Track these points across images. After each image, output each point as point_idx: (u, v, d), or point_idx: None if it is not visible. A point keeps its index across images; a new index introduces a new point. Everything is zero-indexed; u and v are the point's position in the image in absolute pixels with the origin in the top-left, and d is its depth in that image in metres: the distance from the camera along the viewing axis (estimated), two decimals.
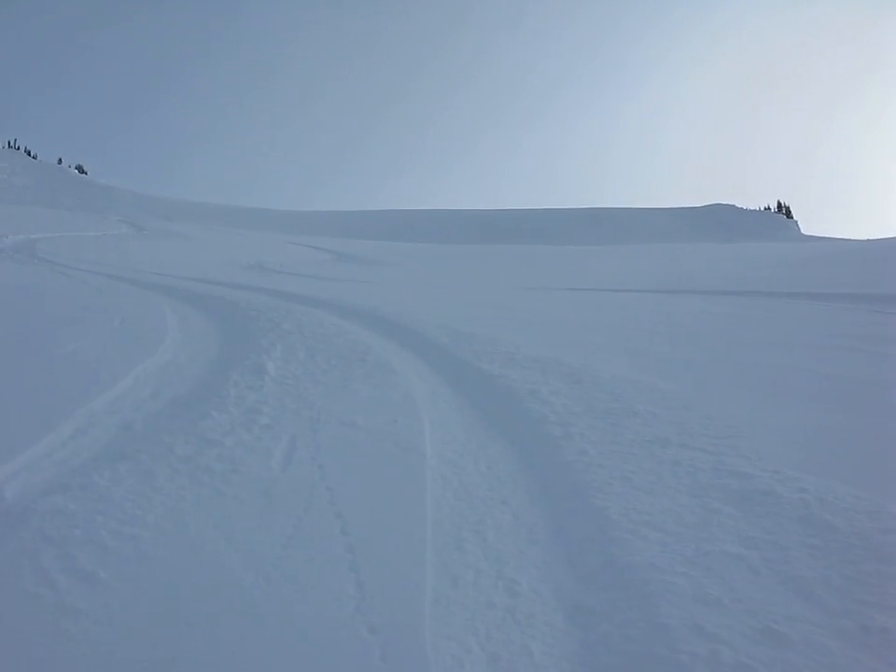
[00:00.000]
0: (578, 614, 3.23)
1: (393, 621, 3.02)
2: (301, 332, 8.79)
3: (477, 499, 4.36)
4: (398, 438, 5.16)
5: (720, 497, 4.18)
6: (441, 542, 3.77)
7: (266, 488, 4.25)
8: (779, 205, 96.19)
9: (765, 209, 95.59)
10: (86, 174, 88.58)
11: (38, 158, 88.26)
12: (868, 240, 40.17)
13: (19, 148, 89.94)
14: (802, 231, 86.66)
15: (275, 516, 3.90)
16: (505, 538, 3.90)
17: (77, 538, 3.56)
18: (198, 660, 2.73)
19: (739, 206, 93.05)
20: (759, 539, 3.70)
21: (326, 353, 7.71)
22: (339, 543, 3.63)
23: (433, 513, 4.07)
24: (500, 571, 3.55)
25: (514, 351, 7.99)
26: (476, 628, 3.08)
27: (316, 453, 4.81)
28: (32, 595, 3.09)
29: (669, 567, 3.45)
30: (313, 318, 9.97)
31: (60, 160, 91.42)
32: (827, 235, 75.86)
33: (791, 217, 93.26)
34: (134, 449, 4.72)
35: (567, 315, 11.97)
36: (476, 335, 8.95)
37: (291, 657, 2.78)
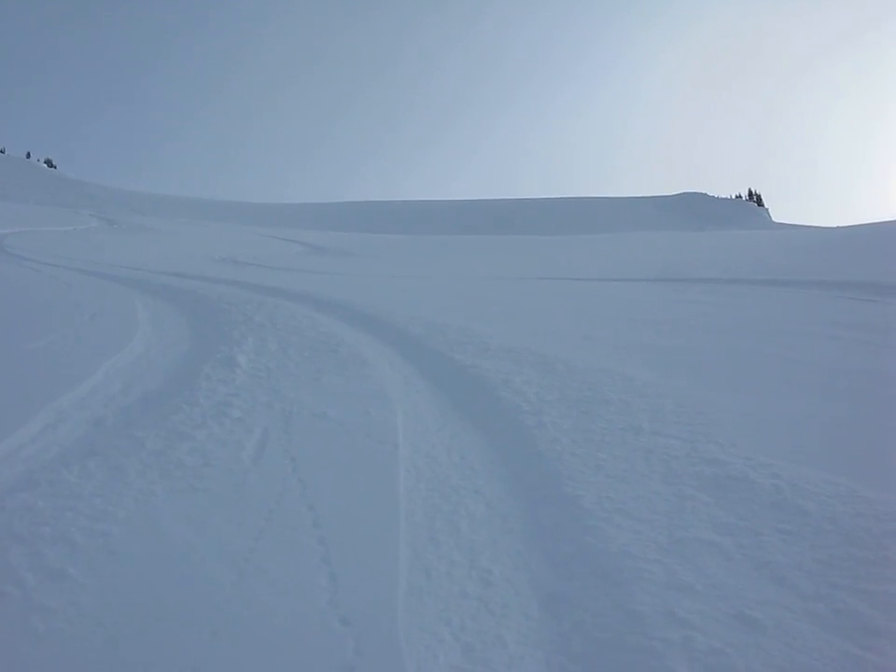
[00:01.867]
0: (552, 603, 3.23)
1: (366, 613, 3.00)
2: (273, 325, 8.75)
3: (450, 490, 4.34)
4: (370, 429, 5.14)
5: (693, 484, 4.19)
6: (414, 533, 3.76)
7: (238, 481, 4.22)
8: (750, 193, 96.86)
9: (737, 197, 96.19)
10: (55, 168, 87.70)
11: (6, 152, 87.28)
12: (836, 227, 40.50)
13: None
14: (772, 218, 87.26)
15: (247, 509, 3.88)
16: (478, 528, 3.89)
17: (47, 535, 3.52)
18: (170, 656, 2.70)
19: (710, 194, 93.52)
20: (732, 525, 3.72)
21: (298, 345, 7.67)
22: (311, 535, 3.61)
23: (406, 504, 4.06)
24: (474, 561, 3.54)
25: (488, 341, 7.98)
26: (450, 619, 3.07)
27: (288, 445, 4.78)
28: (0, 594, 3.05)
29: (642, 554, 3.46)
30: (285, 311, 9.92)
31: (28, 154, 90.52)
32: (797, 223, 76.39)
33: (762, 205, 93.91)
34: (105, 444, 4.68)
35: (541, 304, 11.97)
36: (449, 326, 8.93)
37: (264, 651, 2.76)
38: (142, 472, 4.27)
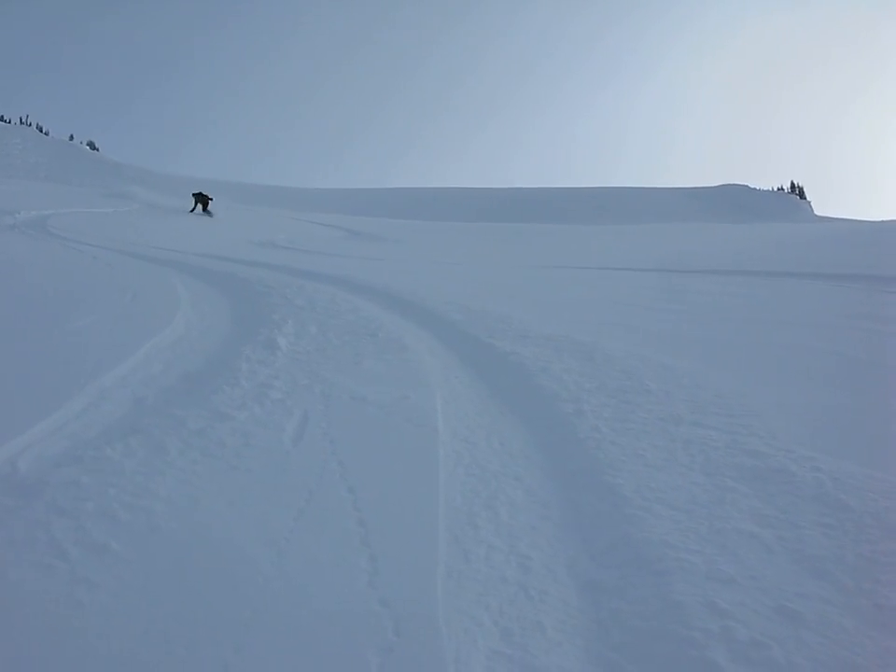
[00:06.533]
0: (590, 590, 3.23)
1: (405, 595, 3.01)
2: (312, 308, 8.78)
3: (489, 475, 4.35)
4: (409, 413, 5.15)
5: (733, 476, 4.16)
6: (453, 518, 3.77)
7: (278, 462, 4.25)
8: (793, 186, 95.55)
9: (778, 189, 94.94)
10: (97, 150, 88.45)
11: (50, 134, 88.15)
12: (882, 221, 39.83)
13: (31, 125, 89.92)
14: (815, 211, 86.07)
15: (287, 490, 3.90)
16: (517, 514, 3.89)
17: (90, 510, 3.56)
18: (210, 633, 2.73)
19: (752, 187, 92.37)
20: (772, 517, 3.69)
21: (337, 329, 7.69)
22: (351, 517, 3.62)
23: (445, 489, 4.06)
24: (513, 547, 3.54)
25: (527, 328, 7.96)
26: (489, 603, 3.08)
27: (328, 427, 4.80)
28: (45, 566, 3.10)
29: (682, 544, 3.44)
30: (324, 294, 9.95)
31: (71, 136, 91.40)
32: (840, 216, 75.31)
33: (805, 198, 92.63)
34: (146, 423, 4.72)
35: (579, 292, 11.91)
36: (488, 312, 8.92)
37: (304, 629, 2.78)
38: (183, 451, 4.31)
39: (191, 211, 35.26)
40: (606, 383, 5.90)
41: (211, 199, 36.00)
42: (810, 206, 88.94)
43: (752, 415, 5.12)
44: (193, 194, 36.50)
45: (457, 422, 5.19)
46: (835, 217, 74.73)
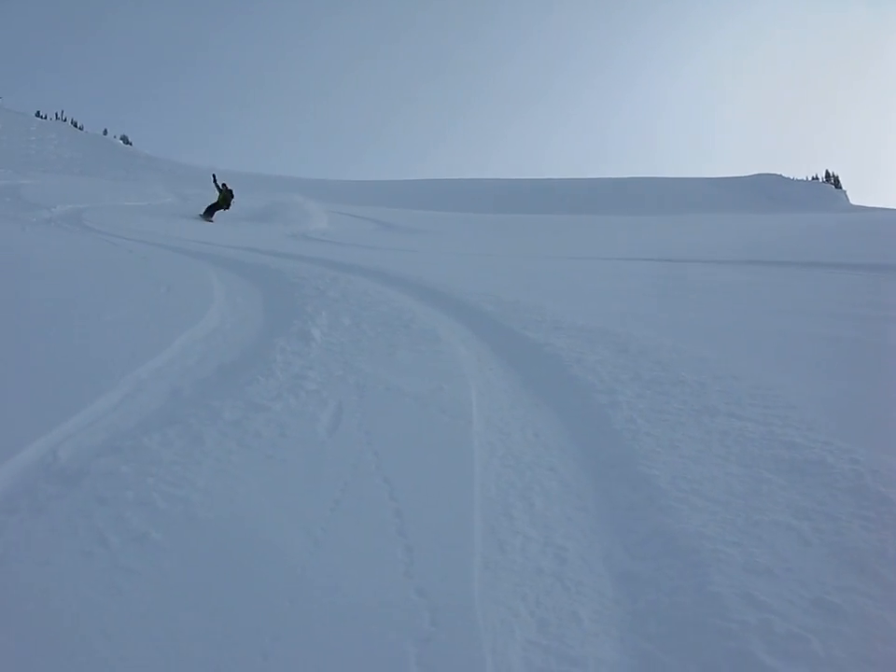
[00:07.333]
0: (626, 581, 3.22)
1: (442, 585, 3.02)
2: (345, 300, 8.81)
3: (524, 466, 4.35)
4: (444, 404, 5.15)
5: (769, 467, 4.13)
6: (488, 508, 3.77)
7: (313, 452, 4.28)
8: (827, 175, 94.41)
9: (813, 179, 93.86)
10: (131, 144, 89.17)
11: (85, 129, 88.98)
12: None
13: (66, 120, 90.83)
14: (850, 201, 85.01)
15: (323, 480, 3.92)
16: (553, 504, 3.89)
17: (129, 499, 3.60)
18: (248, 622, 2.76)
19: (786, 176, 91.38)
20: (810, 509, 3.65)
21: (371, 320, 7.72)
22: (387, 507, 3.64)
23: (480, 480, 4.07)
24: (548, 538, 3.54)
25: (560, 319, 7.93)
26: (525, 594, 3.09)
27: (363, 418, 4.82)
28: (86, 554, 3.14)
29: (719, 535, 3.42)
30: (357, 286, 9.98)
31: (105, 130, 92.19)
32: (878, 206, 74.32)
33: (840, 187, 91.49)
34: (183, 413, 4.77)
35: (611, 283, 11.86)
36: (521, 303, 8.90)
37: (342, 618, 2.80)
38: (219, 441, 4.34)
39: (209, 217, 27.34)
40: (640, 373, 5.88)
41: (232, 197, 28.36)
42: (846, 196, 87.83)
43: (788, 407, 5.07)
44: (216, 184, 28.43)
45: (492, 413, 5.20)
46: (872, 206, 73.76)
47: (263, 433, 4.50)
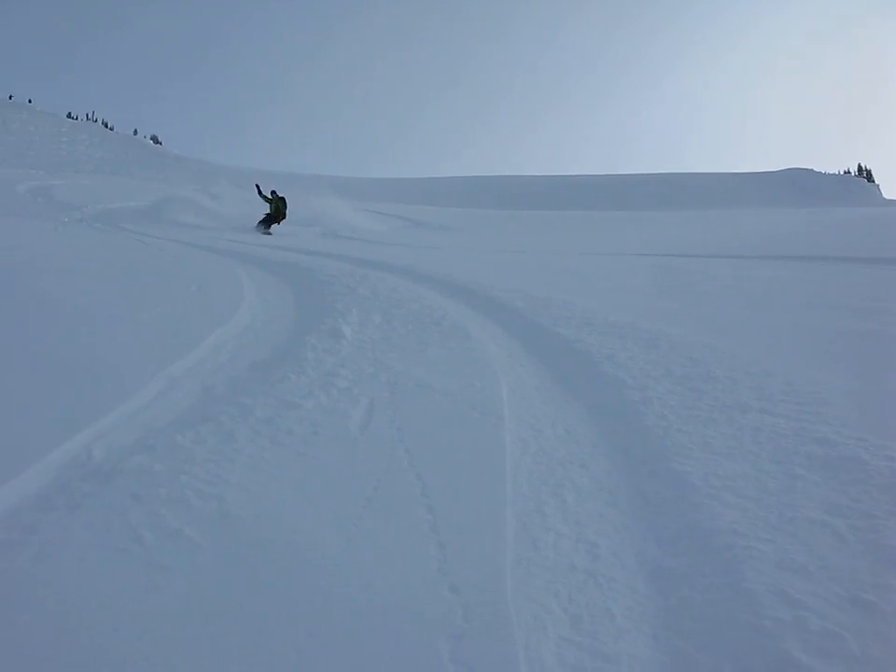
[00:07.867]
0: (659, 578, 3.21)
1: (475, 582, 3.02)
2: (376, 297, 8.84)
3: (556, 463, 4.35)
4: (475, 401, 5.16)
5: (803, 464, 4.10)
6: (520, 505, 3.78)
7: (345, 450, 4.30)
8: (860, 169, 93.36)
9: (845, 173, 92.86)
10: (160, 143, 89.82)
11: (115, 129, 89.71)
12: None
13: (97, 121, 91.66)
14: (883, 195, 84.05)
15: (355, 477, 3.94)
16: (585, 501, 3.89)
17: (163, 496, 3.63)
18: (282, 617, 2.78)
19: (817, 170, 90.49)
20: (845, 506, 3.62)
21: (401, 318, 7.74)
22: (419, 504, 3.65)
23: (512, 476, 4.07)
24: (581, 534, 3.54)
25: (590, 316, 7.92)
26: (557, 590, 3.09)
27: (394, 415, 4.83)
28: (121, 550, 3.17)
29: (752, 532, 3.40)
30: (387, 283, 10.01)
31: (135, 130, 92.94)
32: None
33: (873, 181, 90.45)
34: (215, 411, 4.79)
35: (642, 280, 11.80)
36: (551, 300, 8.90)
37: (375, 616, 2.81)
38: (252, 439, 4.37)
39: (265, 229, 24.05)
40: (671, 370, 5.86)
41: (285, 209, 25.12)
42: (879, 190, 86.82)
43: (821, 403, 5.03)
44: (263, 195, 25.56)
45: (523, 410, 5.20)
46: None
47: (295, 430, 4.52)
